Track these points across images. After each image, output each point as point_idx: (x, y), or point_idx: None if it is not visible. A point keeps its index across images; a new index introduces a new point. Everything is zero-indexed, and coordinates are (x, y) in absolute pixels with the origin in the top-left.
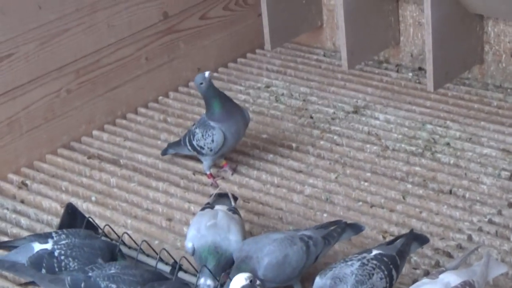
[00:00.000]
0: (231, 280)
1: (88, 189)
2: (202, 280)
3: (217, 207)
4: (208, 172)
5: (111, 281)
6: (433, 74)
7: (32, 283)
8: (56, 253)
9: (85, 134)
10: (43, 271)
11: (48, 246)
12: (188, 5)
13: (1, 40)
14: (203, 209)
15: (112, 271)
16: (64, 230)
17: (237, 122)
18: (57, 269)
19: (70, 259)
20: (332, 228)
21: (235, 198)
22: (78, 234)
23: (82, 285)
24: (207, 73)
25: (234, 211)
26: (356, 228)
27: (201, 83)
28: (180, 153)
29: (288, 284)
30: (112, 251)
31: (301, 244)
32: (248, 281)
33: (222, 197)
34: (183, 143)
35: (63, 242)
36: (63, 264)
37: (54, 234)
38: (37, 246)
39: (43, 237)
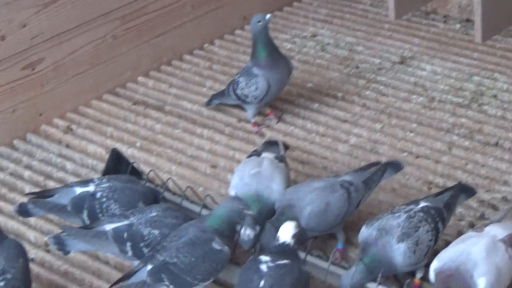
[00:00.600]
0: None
1: (133, 135)
2: (242, 230)
3: (264, 154)
4: (253, 120)
5: (153, 226)
6: (481, 25)
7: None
8: (98, 195)
9: (130, 80)
10: (85, 213)
11: (90, 188)
12: None
13: None
14: (249, 156)
15: (153, 214)
16: (106, 176)
17: (281, 70)
18: (98, 211)
19: (111, 201)
20: (373, 171)
21: (286, 147)
22: (120, 178)
23: (125, 235)
24: (268, 15)
25: (281, 159)
26: (396, 166)
27: (259, 21)
28: (225, 103)
29: (330, 232)
30: (155, 197)
31: (342, 191)
32: (298, 229)
33: (271, 145)
34: (227, 93)
35: (105, 185)
36: (104, 206)
37: (95, 179)
38: (79, 189)
39: (84, 182)
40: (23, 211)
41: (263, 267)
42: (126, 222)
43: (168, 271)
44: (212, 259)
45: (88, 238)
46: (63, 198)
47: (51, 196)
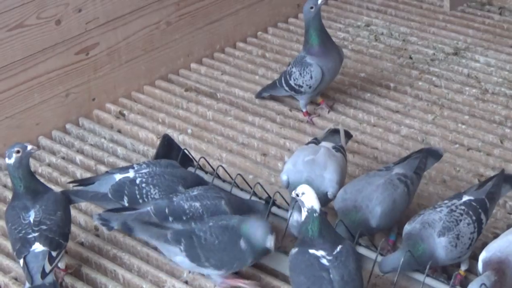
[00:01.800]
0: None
1: (184, 121)
2: (293, 217)
3: (323, 143)
4: (304, 110)
5: (194, 200)
6: None
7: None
8: (137, 181)
9: (183, 66)
10: (125, 199)
11: (130, 174)
12: None
13: None
14: (308, 143)
15: (195, 193)
16: (145, 161)
17: (334, 58)
18: (138, 197)
19: (151, 186)
20: (417, 160)
21: (350, 136)
22: (159, 163)
23: (166, 210)
24: (321, 0)
25: (339, 149)
26: (436, 154)
27: (311, 7)
28: (276, 95)
29: (393, 225)
30: (196, 181)
31: (403, 186)
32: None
33: (335, 133)
34: (279, 85)
35: (144, 171)
36: (144, 191)
37: (135, 165)
38: (119, 176)
39: (124, 169)
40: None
41: (324, 261)
42: (167, 200)
43: (189, 240)
44: (231, 254)
45: (130, 220)
46: (103, 186)
47: (92, 183)
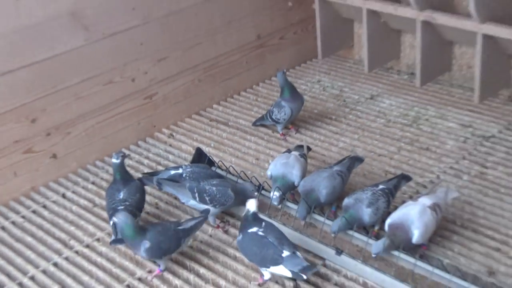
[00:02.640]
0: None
1: (209, 139)
2: (273, 193)
3: (293, 152)
4: (281, 132)
5: (212, 185)
6: (420, 76)
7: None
8: (183, 175)
9: (208, 106)
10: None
11: (179, 171)
12: (272, 30)
13: (159, 48)
14: (283, 152)
15: (214, 182)
16: (187, 164)
17: (298, 102)
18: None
19: (192, 178)
20: (347, 162)
21: (309, 149)
22: (196, 166)
23: (195, 189)
24: (284, 70)
25: (302, 156)
26: (360, 159)
27: (283, 72)
28: (264, 124)
29: (334, 201)
30: (218, 177)
31: (339, 178)
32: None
33: (300, 147)
34: (265, 118)
35: (188, 169)
36: (186, 181)
37: (183, 166)
38: (173, 171)
39: (176, 167)
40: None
41: (260, 233)
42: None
43: (200, 190)
44: (223, 198)
45: (175, 187)
46: (163, 175)
47: (157, 174)
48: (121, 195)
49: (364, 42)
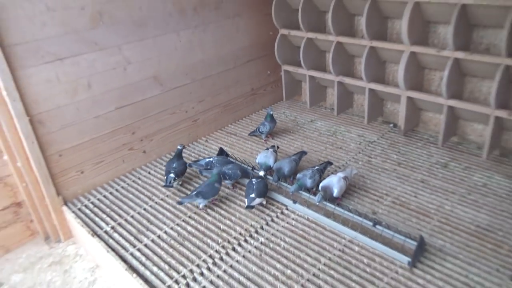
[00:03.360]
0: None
1: (226, 142)
2: (260, 172)
3: (269, 149)
4: (264, 139)
5: (228, 169)
6: (337, 110)
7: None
8: (213, 161)
9: (226, 126)
10: (208, 166)
11: (211, 159)
12: (260, 85)
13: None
14: (265, 149)
15: (229, 166)
16: (218, 156)
17: (274, 124)
18: (213, 166)
19: (217, 164)
20: (299, 154)
21: (277, 147)
22: (223, 158)
23: (218, 171)
24: (270, 108)
25: (275, 151)
26: (305, 152)
27: (270, 110)
28: (255, 134)
29: (292, 175)
30: (231, 163)
31: (294, 163)
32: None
33: (272, 146)
34: (256, 131)
35: (216, 158)
36: (214, 165)
37: (214, 156)
38: (208, 159)
39: (209, 157)
40: (189, 166)
41: (254, 181)
42: (220, 168)
43: (225, 173)
44: (235, 175)
45: (206, 171)
46: (202, 162)
47: (198, 161)
48: (174, 165)
49: (307, 92)
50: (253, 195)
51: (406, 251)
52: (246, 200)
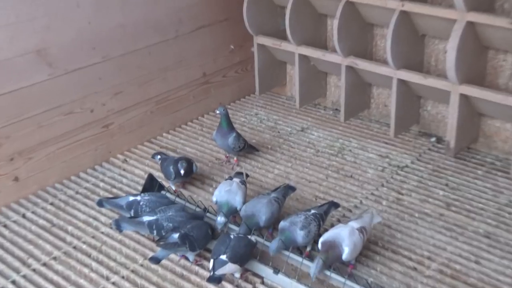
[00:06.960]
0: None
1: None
2: (218, 218)
3: (234, 179)
4: (233, 160)
5: (169, 221)
6: (344, 112)
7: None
8: (141, 203)
9: (159, 135)
10: (132, 211)
11: (137, 198)
12: (216, 69)
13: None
14: (226, 179)
15: (170, 214)
16: (147, 193)
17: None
18: (140, 211)
19: (147, 207)
20: (283, 190)
21: (247, 175)
22: (155, 194)
23: (154, 226)
24: (223, 107)
25: (243, 182)
26: (292, 188)
27: (223, 110)
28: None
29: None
30: (170, 203)
31: (276, 204)
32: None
33: (239, 174)
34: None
35: (146, 198)
36: (143, 209)
37: (141, 194)
38: (131, 198)
39: (135, 195)
40: (99, 204)
41: (231, 236)
42: (154, 217)
43: (188, 239)
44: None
45: (134, 224)
46: (122, 201)
47: (116, 199)
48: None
49: (296, 82)
50: (224, 257)
51: None
52: (210, 263)
